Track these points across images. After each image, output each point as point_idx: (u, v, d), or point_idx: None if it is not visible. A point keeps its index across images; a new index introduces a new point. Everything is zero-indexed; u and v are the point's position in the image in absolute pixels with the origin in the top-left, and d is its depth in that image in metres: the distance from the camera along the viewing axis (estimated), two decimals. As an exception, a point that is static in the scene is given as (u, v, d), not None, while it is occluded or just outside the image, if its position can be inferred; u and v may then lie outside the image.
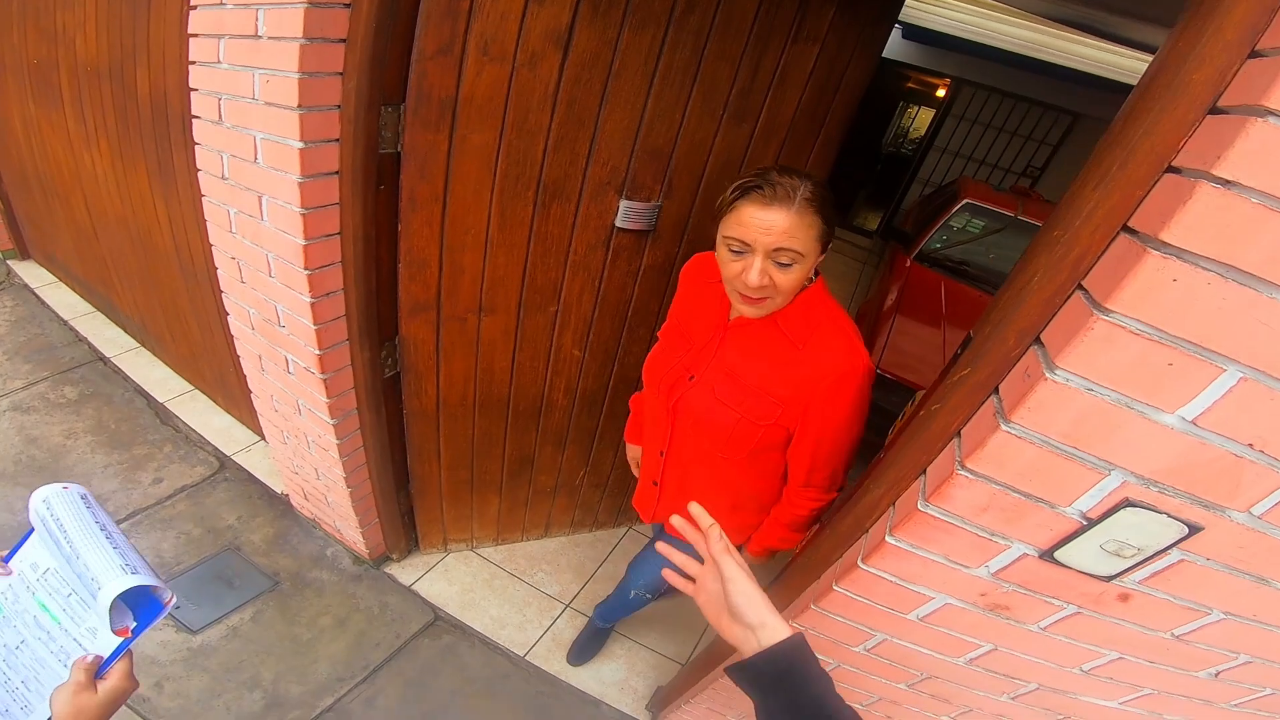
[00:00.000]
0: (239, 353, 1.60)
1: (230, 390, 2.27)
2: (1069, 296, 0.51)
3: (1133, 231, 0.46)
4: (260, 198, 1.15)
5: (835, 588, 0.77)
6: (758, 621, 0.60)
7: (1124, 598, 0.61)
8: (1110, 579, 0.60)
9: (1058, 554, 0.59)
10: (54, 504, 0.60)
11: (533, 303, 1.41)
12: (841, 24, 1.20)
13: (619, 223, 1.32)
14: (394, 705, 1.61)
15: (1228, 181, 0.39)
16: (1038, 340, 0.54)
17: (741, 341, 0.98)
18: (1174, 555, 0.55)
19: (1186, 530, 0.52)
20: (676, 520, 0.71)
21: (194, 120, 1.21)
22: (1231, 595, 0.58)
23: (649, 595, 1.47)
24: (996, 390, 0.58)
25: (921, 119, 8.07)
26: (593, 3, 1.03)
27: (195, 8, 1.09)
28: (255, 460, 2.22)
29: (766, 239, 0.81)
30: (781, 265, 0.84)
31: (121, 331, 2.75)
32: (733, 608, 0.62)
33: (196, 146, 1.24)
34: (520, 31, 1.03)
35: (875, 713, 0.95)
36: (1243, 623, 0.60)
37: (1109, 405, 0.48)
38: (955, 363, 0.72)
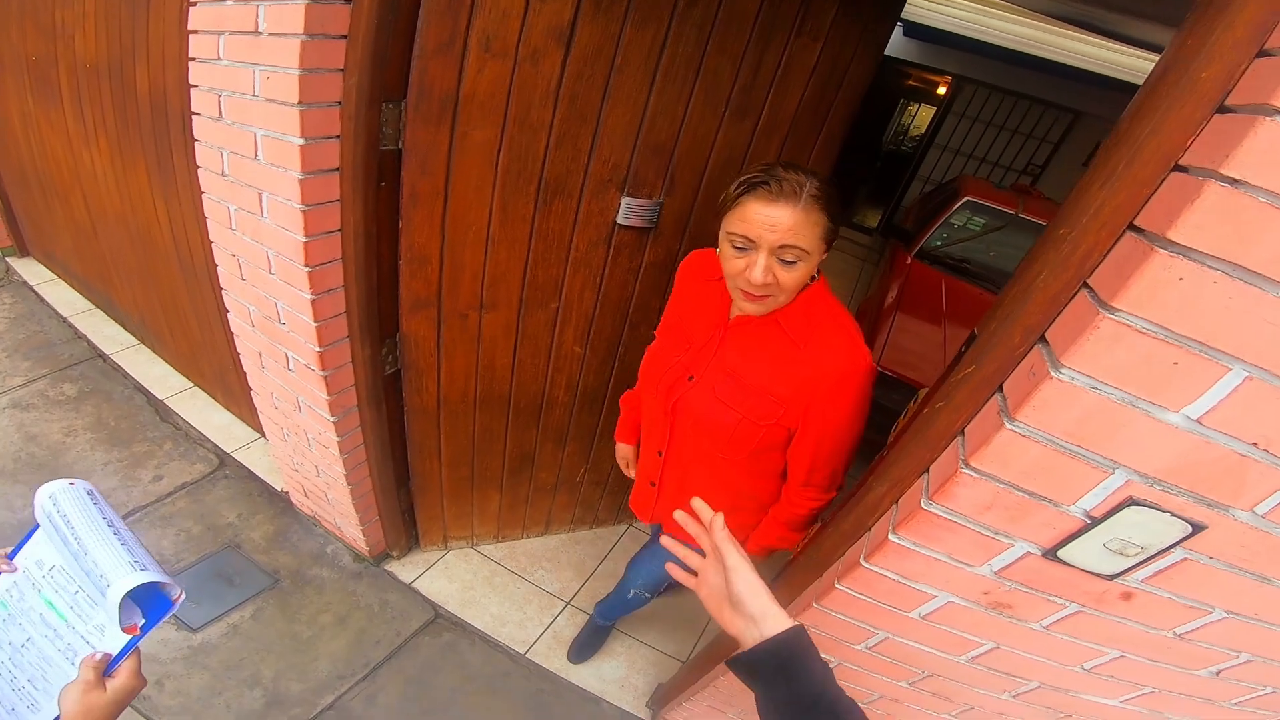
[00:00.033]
0: (239, 350, 1.60)
1: (230, 387, 2.26)
2: (1075, 294, 0.51)
3: (1139, 230, 0.46)
4: (260, 194, 1.15)
5: (837, 585, 0.77)
6: (760, 612, 0.60)
7: (1126, 596, 0.61)
8: (1113, 578, 0.60)
9: (1061, 552, 0.59)
10: (60, 500, 0.59)
11: (534, 299, 1.41)
12: (844, 21, 1.19)
13: (620, 219, 1.31)
14: (394, 703, 1.61)
15: (1235, 180, 0.39)
16: (1043, 338, 0.54)
17: (742, 340, 0.97)
18: (1177, 554, 0.55)
19: (1190, 529, 0.52)
20: (679, 515, 0.72)
21: (194, 117, 1.20)
22: (1234, 594, 0.58)
23: (648, 594, 1.48)
24: (1001, 388, 0.57)
25: (922, 116, 8.07)
26: (595, -1, 1.03)
27: (195, 4, 1.08)
28: (255, 457, 2.21)
29: (771, 236, 0.81)
30: (786, 263, 0.83)
31: (121, 329, 2.74)
32: (735, 597, 0.63)
33: (196, 143, 1.23)
34: (522, 27, 1.03)
35: (877, 711, 0.95)
36: (1245, 621, 0.60)
37: (1114, 404, 0.48)
38: (959, 360, 0.72)
